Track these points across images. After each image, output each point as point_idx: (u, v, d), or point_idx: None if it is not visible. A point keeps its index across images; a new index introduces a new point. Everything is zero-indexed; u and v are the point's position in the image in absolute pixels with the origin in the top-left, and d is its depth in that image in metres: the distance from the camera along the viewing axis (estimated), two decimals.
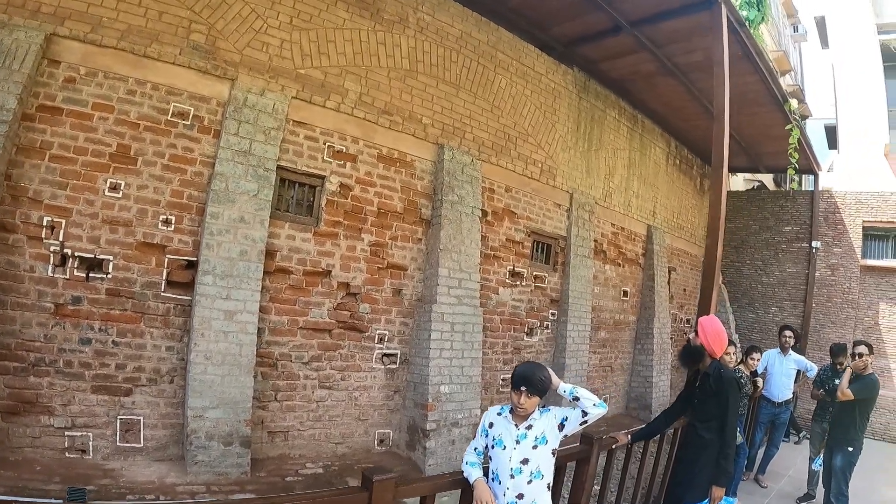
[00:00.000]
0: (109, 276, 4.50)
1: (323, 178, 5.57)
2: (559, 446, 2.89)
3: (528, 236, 7.47)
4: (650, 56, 7.49)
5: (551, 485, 2.83)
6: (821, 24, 15.71)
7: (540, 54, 7.54)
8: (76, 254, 4.36)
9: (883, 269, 11.44)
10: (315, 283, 5.51)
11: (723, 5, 6.06)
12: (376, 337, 5.87)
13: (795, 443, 9.08)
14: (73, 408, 4.36)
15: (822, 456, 5.90)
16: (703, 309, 5.76)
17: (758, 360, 6.32)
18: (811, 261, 11.60)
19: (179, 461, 4.69)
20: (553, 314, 7.92)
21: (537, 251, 7.74)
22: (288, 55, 5.33)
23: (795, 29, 18.20)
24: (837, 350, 6.32)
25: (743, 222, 12.70)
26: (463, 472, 2.83)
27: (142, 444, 4.63)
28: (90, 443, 4.42)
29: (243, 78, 5.04)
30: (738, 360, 6.28)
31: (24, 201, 4.21)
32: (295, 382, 5.42)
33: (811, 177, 12.61)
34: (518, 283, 7.32)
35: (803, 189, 14.17)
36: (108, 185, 4.48)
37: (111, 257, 4.50)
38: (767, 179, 15.87)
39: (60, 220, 4.31)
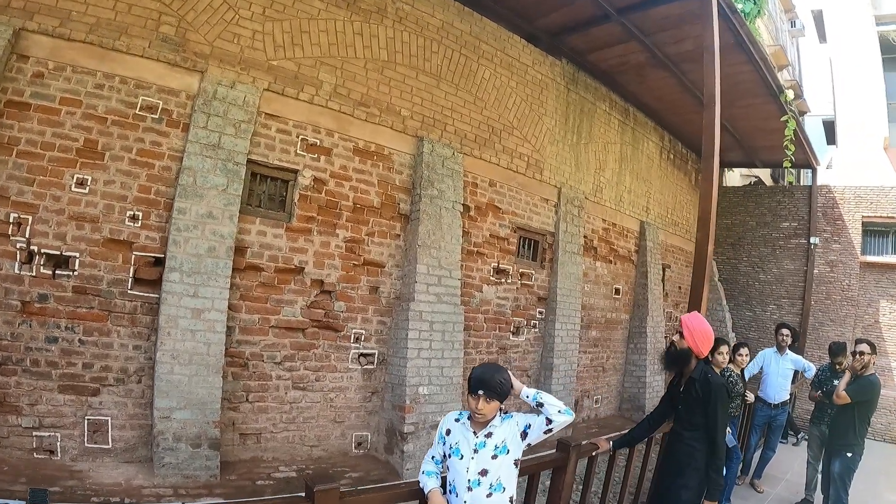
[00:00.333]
0: (76, 273, 4.42)
1: (296, 172, 5.44)
2: (523, 456, 2.69)
3: (514, 232, 7.32)
4: (639, 46, 7.33)
5: (514, 498, 2.62)
6: (818, 18, 15.54)
7: (526, 45, 7.39)
8: (43, 251, 4.30)
9: (883, 266, 11.29)
10: (287, 281, 5.37)
11: None
12: (352, 336, 5.72)
13: (794, 444, 8.88)
14: (40, 407, 4.30)
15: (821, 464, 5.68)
16: (694, 307, 5.61)
17: (746, 355, 6.04)
18: (809, 257, 11.45)
19: (148, 463, 4.60)
20: (541, 313, 7.76)
21: (524, 247, 7.59)
22: (260, 46, 5.20)
23: (793, 24, 18.00)
24: (837, 349, 6.09)
25: (739, 218, 12.54)
26: (419, 482, 2.64)
27: (110, 446, 4.55)
28: (58, 443, 4.36)
29: (213, 70, 4.92)
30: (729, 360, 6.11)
31: None
32: (267, 383, 5.29)
33: (809, 172, 12.44)
34: (503, 280, 7.16)
35: (801, 184, 14.02)
36: (74, 180, 4.40)
37: (78, 254, 4.42)
38: (765, 175, 15.69)
39: (27, 216, 4.24)
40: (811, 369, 6.59)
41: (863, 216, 11.40)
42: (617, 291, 9.50)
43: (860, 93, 13.03)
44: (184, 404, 4.58)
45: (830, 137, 14.86)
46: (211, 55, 4.94)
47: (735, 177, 14.67)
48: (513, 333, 7.36)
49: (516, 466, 2.60)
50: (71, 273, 4.40)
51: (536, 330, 7.73)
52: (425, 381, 5.67)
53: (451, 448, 2.61)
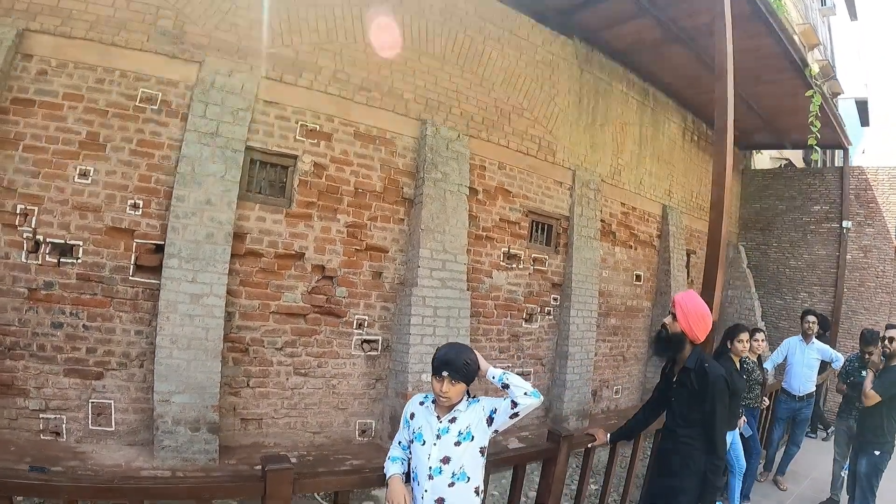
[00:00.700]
0: (79, 261, 4.61)
1: (295, 157, 5.45)
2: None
3: (525, 216, 7.18)
4: (653, 21, 7.06)
5: (481, 489, 2.47)
6: None
7: (534, 25, 7.20)
8: (48, 240, 4.50)
9: None
10: (287, 266, 5.37)
11: None
12: (355, 322, 5.69)
13: (823, 439, 8.30)
14: (46, 391, 4.50)
15: (847, 462, 5.26)
16: (708, 293, 5.34)
17: (762, 341, 5.63)
18: (842, 242, 10.93)
19: (150, 446, 4.73)
20: (555, 299, 7.61)
21: (536, 232, 7.45)
22: (257, 35, 5.24)
23: (823, 2, 17.19)
24: (869, 337, 5.61)
25: (769, 202, 12.06)
26: (384, 467, 2.53)
27: (113, 428, 4.72)
28: (63, 425, 4.56)
29: (211, 60, 5.00)
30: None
31: (0, 191, 4.37)
32: (268, 368, 5.31)
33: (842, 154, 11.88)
34: (514, 265, 7.04)
35: (832, 165, 13.41)
36: (77, 172, 4.60)
37: (81, 243, 4.61)
38: (796, 157, 15.09)
39: (33, 207, 4.47)
40: (839, 359, 6.17)
41: None
42: (638, 278, 9.26)
43: (894, 70, 12.37)
44: (183, 388, 4.68)
45: (864, 118, 14.18)
46: (208, 45, 5.01)
47: (764, 159, 14.13)
48: (525, 320, 7.23)
49: (482, 455, 2.45)
50: (75, 261, 4.59)
51: (551, 317, 7.58)
52: (429, 368, 5.55)
53: (413, 433, 2.47)
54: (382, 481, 2.52)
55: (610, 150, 8.46)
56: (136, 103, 4.78)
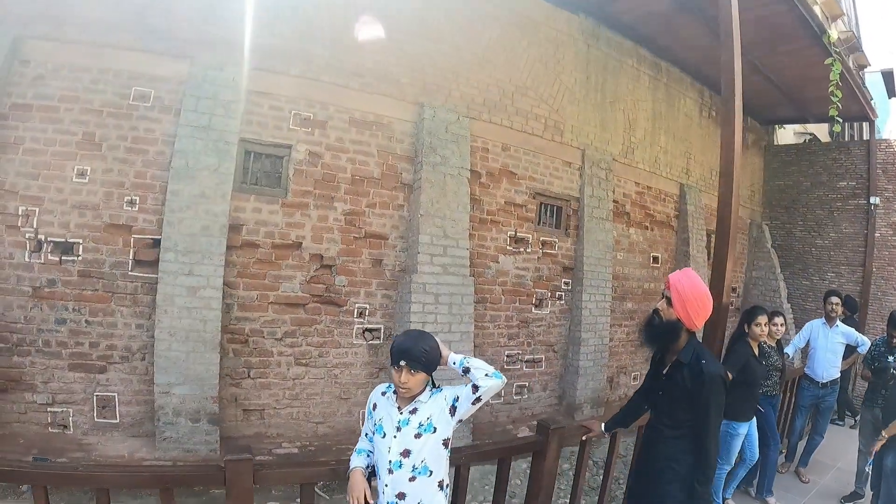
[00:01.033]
0: (80, 258, 4.78)
1: (290, 147, 5.47)
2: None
3: (533, 198, 7.07)
4: None
5: (446, 483, 2.38)
6: None
7: (537, 1, 7.04)
8: (50, 239, 4.70)
9: None
10: (285, 256, 5.40)
11: None
12: (355, 311, 5.69)
13: (851, 427, 7.79)
14: (53, 385, 4.70)
15: (872, 456, 4.81)
16: (718, 275, 5.05)
17: (781, 325, 5.28)
18: (870, 219, 10.53)
19: (153, 437, 4.87)
20: (566, 283, 7.51)
21: (545, 214, 7.35)
22: (245, 27, 5.22)
23: None
24: None
25: (793, 179, 11.69)
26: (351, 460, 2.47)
27: (118, 421, 4.89)
28: (70, 418, 4.76)
29: (200, 55, 5.08)
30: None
31: (2, 193, 4.57)
32: (269, 359, 5.36)
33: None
34: (522, 249, 6.95)
35: (859, 139, 12.90)
36: (75, 172, 4.79)
37: (81, 240, 4.79)
38: (821, 132, 14.58)
39: (34, 208, 4.65)
40: (865, 344, 5.78)
41: None
42: (655, 260, 9.09)
43: None
44: (182, 380, 4.80)
45: (891, 89, 13.60)
46: (198, 40, 5.09)
47: (787, 135, 13.70)
48: (535, 306, 7.15)
49: (446, 447, 2.36)
50: (76, 258, 4.77)
51: (562, 302, 7.49)
52: None
53: (375, 425, 2.40)
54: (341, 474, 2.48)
55: (621, 128, 8.28)
56: (130, 101, 4.93)
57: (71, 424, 4.76)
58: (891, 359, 4.96)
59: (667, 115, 9.16)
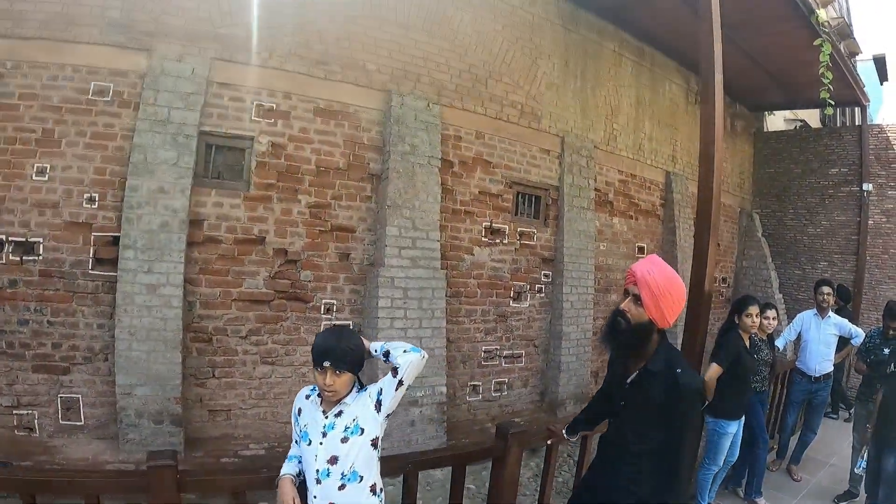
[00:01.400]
0: (41, 257, 4.82)
1: (252, 139, 5.45)
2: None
3: (509, 188, 7.08)
4: None
5: (379, 487, 2.33)
6: None
7: None
8: (10, 238, 4.73)
9: None
10: (248, 252, 5.40)
11: None
12: (322, 307, 5.71)
13: (846, 420, 7.87)
14: (17, 387, 4.74)
15: (864, 455, 4.69)
16: (699, 264, 4.93)
17: (773, 318, 5.17)
18: (863, 207, 10.58)
19: (117, 440, 4.88)
20: (546, 275, 7.53)
21: (522, 204, 7.36)
22: (206, 16, 5.24)
23: None
24: (895, 309, 5.27)
25: (784, 167, 11.74)
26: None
27: (83, 423, 4.92)
28: (35, 421, 4.80)
29: (160, 46, 5.06)
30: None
31: None
32: (233, 358, 5.37)
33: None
34: (498, 241, 6.97)
35: (851, 124, 12.92)
36: (35, 169, 4.81)
37: (42, 239, 4.81)
38: (812, 118, 14.66)
39: None
40: (859, 335, 5.77)
41: None
42: (641, 250, 9.12)
43: None
44: (144, 381, 4.82)
45: (883, 74, 13.62)
46: (157, 32, 5.06)
47: (777, 121, 13.75)
48: (513, 299, 7.17)
49: (375, 447, 2.30)
50: (37, 258, 4.80)
51: (542, 295, 7.51)
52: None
53: (300, 431, 2.33)
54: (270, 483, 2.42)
55: (603, 114, 8.29)
56: (89, 97, 4.92)
57: (37, 427, 4.79)
58: (886, 351, 4.94)
59: (651, 102, 9.18)
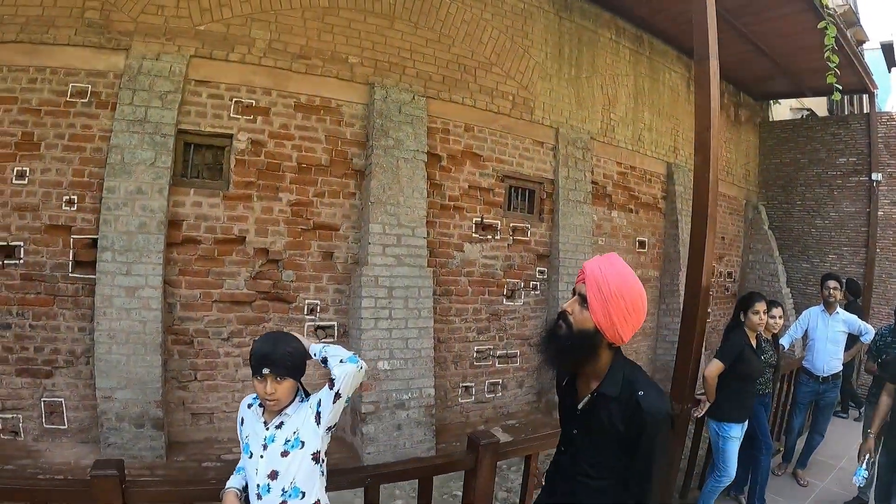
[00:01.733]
0: (22, 261, 4.92)
1: (231, 136, 5.49)
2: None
3: (501, 181, 7.07)
4: None
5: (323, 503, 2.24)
6: None
7: None
8: None
9: None
10: (228, 252, 5.44)
11: None
12: (306, 308, 5.73)
13: (856, 419, 7.60)
14: (1, 391, 4.87)
15: (864, 464, 4.29)
16: (695, 261, 4.63)
17: (780, 317, 4.86)
18: (872, 197, 10.48)
19: (99, 443, 4.95)
20: (541, 272, 7.53)
21: (515, 199, 7.36)
22: (185, 13, 5.32)
23: None
24: None
25: (790, 157, 11.66)
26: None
27: (66, 426, 5.03)
28: (20, 424, 4.94)
29: (137, 45, 5.15)
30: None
31: None
32: (215, 360, 5.42)
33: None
34: (490, 236, 6.96)
35: (859, 112, 12.78)
36: (15, 173, 4.89)
37: (22, 243, 4.92)
38: (820, 107, 14.53)
39: None
40: (869, 332, 5.58)
41: None
42: (642, 245, 9.11)
43: None
44: (124, 384, 4.88)
45: (891, 60, 13.46)
46: (135, 31, 5.15)
47: (784, 110, 13.65)
48: (507, 297, 7.17)
49: (317, 462, 2.19)
50: (18, 262, 4.91)
51: (537, 292, 7.51)
52: (385, 354, 5.58)
53: (242, 443, 2.25)
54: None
55: (600, 104, 8.26)
56: (67, 98, 5.03)
57: (21, 430, 4.92)
58: None
59: (651, 91, 9.14)
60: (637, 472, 1.89)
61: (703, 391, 4.34)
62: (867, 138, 10.58)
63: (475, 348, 6.85)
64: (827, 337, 5.60)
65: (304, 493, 2.14)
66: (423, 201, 6.06)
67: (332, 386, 2.17)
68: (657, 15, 8.34)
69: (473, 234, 6.81)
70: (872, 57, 14.57)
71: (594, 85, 8.17)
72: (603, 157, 8.36)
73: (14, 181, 4.87)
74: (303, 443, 2.15)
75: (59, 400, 5.00)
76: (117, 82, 5.07)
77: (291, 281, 5.65)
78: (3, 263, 4.86)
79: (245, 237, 5.47)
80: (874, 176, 10.40)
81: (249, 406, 2.32)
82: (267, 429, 2.19)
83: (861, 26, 11.42)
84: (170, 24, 5.22)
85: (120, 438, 4.87)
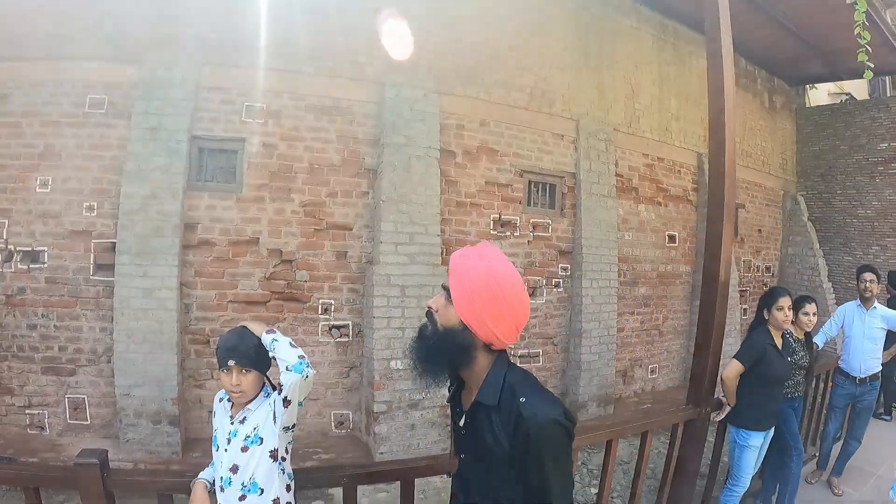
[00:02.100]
0: (46, 265, 5.37)
1: (243, 140, 5.72)
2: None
3: (519, 176, 7.11)
4: None
5: (286, 502, 2.29)
6: None
7: None
8: (19, 248, 5.35)
9: None
10: (242, 253, 5.66)
11: None
12: (320, 307, 5.90)
13: None
14: (28, 388, 5.38)
15: None
16: (712, 253, 4.47)
17: (813, 314, 4.62)
18: None
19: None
20: (564, 269, 7.53)
21: (535, 193, 7.38)
22: (196, 23, 5.57)
23: None
24: None
25: (829, 144, 11.41)
26: None
27: (89, 422, 5.46)
28: (46, 420, 5.40)
29: (150, 56, 5.48)
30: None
31: None
32: None
33: None
34: (509, 233, 7.01)
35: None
36: (38, 182, 5.36)
37: (46, 248, 5.38)
38: (860, 90, 14.12)
39: (4, 220, 5.33)
40: None
41: None
42: (672, 239, 9.01)
43: None
44: (142, 382, 5.22)
45: None
46: (149, 42, 5.48)
47: (821, 95, 13.33)
48: (528, 295, 7.13)
49: (275, 460, 2.24)
50: (42, 266, 5.39)
51: (560, 290, 7.51)
52: (398, 353, 5.67)
53: (213, 436, 2.36)
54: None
55: (622, 94, 8.22)
56: (86, 110, 5.43)
57: (47, 426, 5.36)
58: None
59: (677, 79, 9.04)
60: (534, 496, 1.58)
61: (724, 394, 4.20)
62: None
63: None
64: (864, 334, 5.33)
65: (262, 490, 2.22)
66: (436, 198, 6.15)
67: (280, 391, 2.21)
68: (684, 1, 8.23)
69: (491, 231, 6.87)
70: None
71: (615, 75, 8.13)
72: (627, 148, 8.32)
73: (38, 189, 5.32)
74: (261, 439, 2.22)
75: (83, 397, 5.41)
76: (133, 93, 5.43)
77: (305, 281, 5.82)
78: (28, 267, 5.31)
79: (259, 238, 5.68)
80: None
81: (220, 400, 2.41)
82: (231, 423, 2.28)
83: None
84: (182, 34, 5.50)
85: (138, 434, 5.20)
